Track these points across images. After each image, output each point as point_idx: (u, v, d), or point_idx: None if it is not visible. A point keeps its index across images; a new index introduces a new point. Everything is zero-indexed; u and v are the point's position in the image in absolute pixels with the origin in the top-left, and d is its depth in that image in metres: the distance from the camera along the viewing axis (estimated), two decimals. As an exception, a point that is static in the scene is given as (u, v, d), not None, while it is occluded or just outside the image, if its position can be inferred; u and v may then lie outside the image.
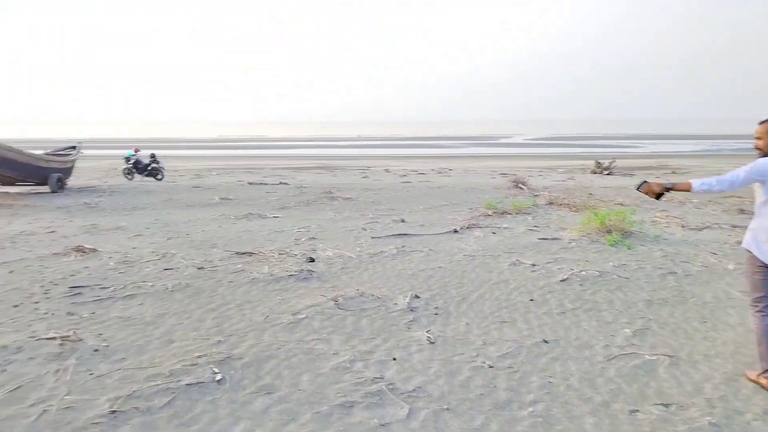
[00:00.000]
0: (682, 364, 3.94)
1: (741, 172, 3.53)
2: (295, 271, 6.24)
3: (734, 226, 8.91)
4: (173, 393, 3.44)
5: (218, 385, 3.57)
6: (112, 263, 6.70)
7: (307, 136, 77.31)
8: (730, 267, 6.45)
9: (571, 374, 3.79)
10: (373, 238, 8.42)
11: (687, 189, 3.56)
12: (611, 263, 6.66)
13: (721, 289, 5.70)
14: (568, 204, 11.38)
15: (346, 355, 4.07)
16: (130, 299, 5.34)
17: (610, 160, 21.10)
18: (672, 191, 3.70)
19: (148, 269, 6.45)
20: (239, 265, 6.64)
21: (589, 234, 8.09)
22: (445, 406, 3.34)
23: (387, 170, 22.90)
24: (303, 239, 8.30)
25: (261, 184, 16.78)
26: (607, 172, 19.89)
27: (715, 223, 9.25)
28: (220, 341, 4.30)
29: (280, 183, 16.97)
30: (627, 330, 4.58)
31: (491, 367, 3.89)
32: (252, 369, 3.82)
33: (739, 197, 12.46)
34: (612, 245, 7.52)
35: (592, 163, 21.82)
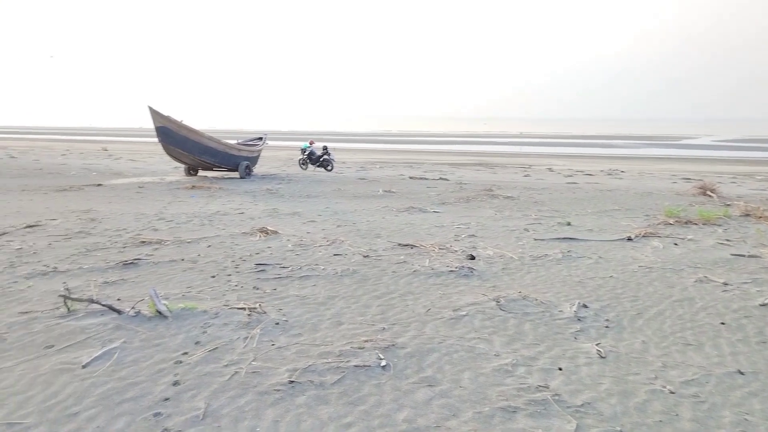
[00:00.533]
0: None
1: None
2: (456, 267, 6.26)
3: None
4: (343, 372, 3.66)
5: (383, 370, 3.72)
6: (290, 245, 7.35)
7: (466, 132, 77.07)
8: None
9: (775, 415, 3.26)
10: (535, 239, 8.12)
11: None
12: (830, 290, 5.60)
13: None
14: (770, 217, 9.83)
15: (508, 358, 3.98)
16: (305, 280, 5.80)
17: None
18: None
19: (320, 253, 6.95)
20: (401, 257, 6.85)
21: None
22: (618, 428, 3.09)
23: (550, 169, 21.90)
24: (463, 236, 8.30)
25: (421, 178, 17.14)
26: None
27: None
28: (384, 328, 4.48)
29: (440, 178, 17.16)
30: None
31: (672, 393, 3.51)
32: (414, 359, 3.92)
33: None
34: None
35: (802, 170, 18.56)
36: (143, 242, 7.36)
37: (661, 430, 3.09)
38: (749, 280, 5.99)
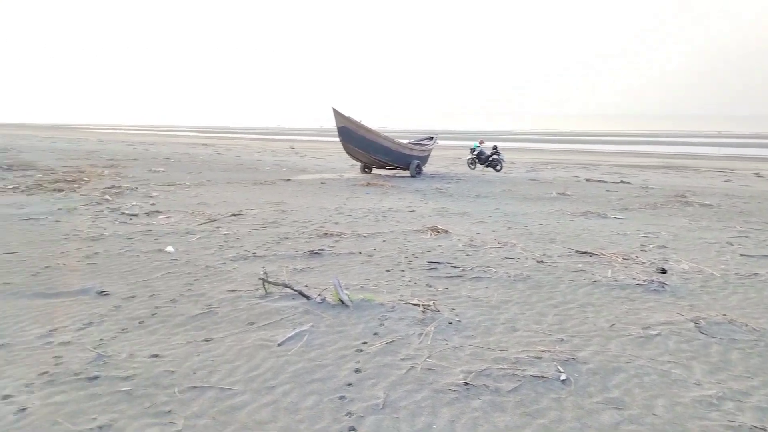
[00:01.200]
0: None
1: None
2: (644, 281, 5.70)
3: None
4: (519, 380, 3.54)
5: (563, 384, 3.52)
6: (460, 245, 7.36)
7: (648, 131, 69.96)
8: None
9: None
10: (742, 255, 7.04)
11: None
12: None
13: None
14: None
15: (711, 389, 3.49)
16: (477, 281, 5.75)
17: None
18: None
19: (491, 255, 6.84)
20: (579, 265, 6.43)
21: None
22: None
23: (758, 175, 18.91)
24: (651, 246, 7.52)
25: (599, 181, 15.98)
26: None
27: None
28: (562, 339, 4.24)
29: (621, 181, 15.83)
30: None
31: None
32: (598, 377, 3.63)
33: None
34: None
35: None
36: (326, 234, 7.95)
37: None
38: None
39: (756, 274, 6.09)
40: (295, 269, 6.10)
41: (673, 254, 7.04)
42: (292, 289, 5.01)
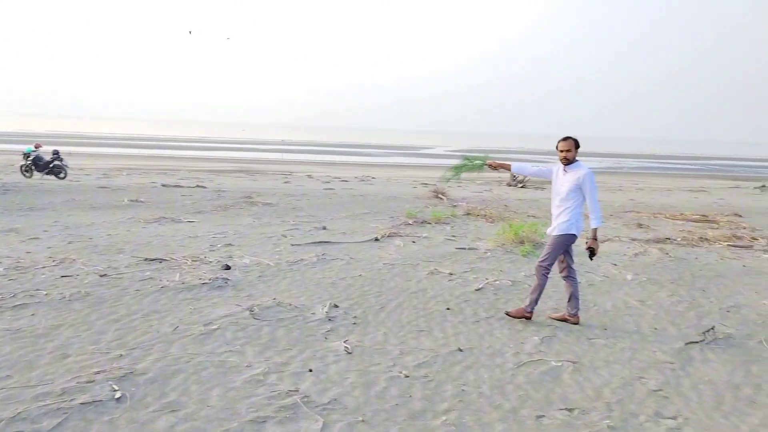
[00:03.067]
0: (584, 370, 4.15)
1: (596, 193, 4.90)
2: (209, 279, 5.99)
3: (633, 239, 9.59)
4: (65, 413, 3.16)
5: (117, 403, 3.32)
6: (0, 269, 6.10)
7: (227, 138, 75.04)
8: (629, 277, 6.92)
9: (483, 382, 3.88)
10: (293, 245, 8.27)
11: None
12: (523, 273, 6.95)
13: (620, 298, 6.09)
14: (484, 215, 11.79)
15: (260, 367, 3.94)
16: (20, 309, 4.87)
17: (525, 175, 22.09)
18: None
19: (44, 276, 5.93)
20: (147, 273, 6.27)
21: (503, 244, 8.40)
22: (360, 418, 3.31)
23: (310, 176, 22.68)
24: (219, 245, 7.99)
25: (176, 186, 16.05)
26: (521, 185, 20.83)
27: (616, 236, 9.91)
28: (121, 355, 4.02)
29: (197, 186, 16.32)
30: (536, 338, 4.77)
31: (407, 376, 3.90)
32: (156, 385, 3.59)
33: (638, 212, 13.47)
34: (524, 255, 7.85)
35: (507, 175, 22.76)
36: None
37: (397, 413, 3.40)
38: (468, 270, 7.05)
39: (301, 260, 7.23)
40: None
41: (238, 251, 7.67)
42: None
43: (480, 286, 6.24)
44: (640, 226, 11.33)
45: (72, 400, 3.29)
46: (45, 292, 5.33)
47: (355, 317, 5.12)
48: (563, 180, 4.98)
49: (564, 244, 5.01)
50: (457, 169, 5.92)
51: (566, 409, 3.53)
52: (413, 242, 8.76)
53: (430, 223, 10.52)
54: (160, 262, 6.75)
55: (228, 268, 6.59)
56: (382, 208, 12.97)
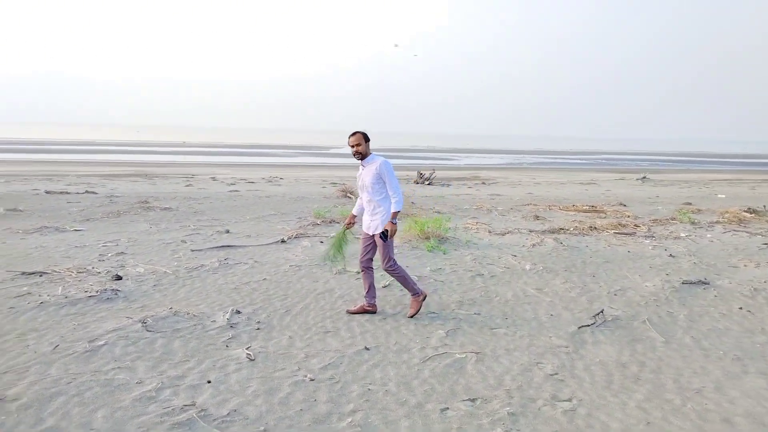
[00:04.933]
0: (486, 359, 4.27)
1: (394, 179, 4.99)
2: (97, 291, 5.52)
3: (531, 231, 10.10)
4: None
5: (-19, 437, 2.94)
6: None
7: (121, 140, 70.40)
8: (527, 267, 7.25)
9: (390, 379, 3.87)
10: (193, 251, 7.85)
11: (395, 213, 4.97)
12: (428, 268, 7.07)
13: (519, 287, 6.36)
14: (392, 212, 11.90)
15: (152, 383, 3.66)
16: None
17: (430, 171, 22.66)
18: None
19: None
20: (24, 288, 5.67)
21: (410, 240, 8.50)
22: (262, 428, 3.16)
23: (214, 178, 21.77)
24: (110, 255, 7.42)
25: (62, 193, 14.75)
26: (428, 183, 21.32)
27: (516, 228, 10.39)
28: (-11, 382, 3.57)
29: (87, 192, 15.11)
30: (441, 331, 4.84)
31: (312, 380, 3.80)
32: (32, 411, 3.23)
33: (535, 205, 14.23)
34: (430, 251, 7.99)
35: (414, 173, 23.23)
36: None
37: (301, 419, 3.30)
38: (375, 267, 7.05)
39: (202, 266, 6.88)
40: None
41: (131, 259, 7.15)
42: None
43: (387, 284, 6.26)
44: (537, 218, 11.96)
45: (-77, 438, 2.87)
46: None
47: (258, 322, 4.94)
48: (364, 174, 5.11)
49: (380, 233, 5.04)
50: (339, 251, 5.90)
51: (469, 399, 3.59)
52: (321, 242, 8.63)
53: (338, 223, 10.44)
54: (40, 276, 6.14)
55: (119, 278, 6.12)
56: (289, 209, 12.71)
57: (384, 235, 4.97)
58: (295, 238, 8.90)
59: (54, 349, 4.15)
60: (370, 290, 5.25)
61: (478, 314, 5.35)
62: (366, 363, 4.14)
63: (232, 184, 19.30)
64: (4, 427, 3.04)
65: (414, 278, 5.31)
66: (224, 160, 38.67)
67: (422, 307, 5.29)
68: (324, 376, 3.88)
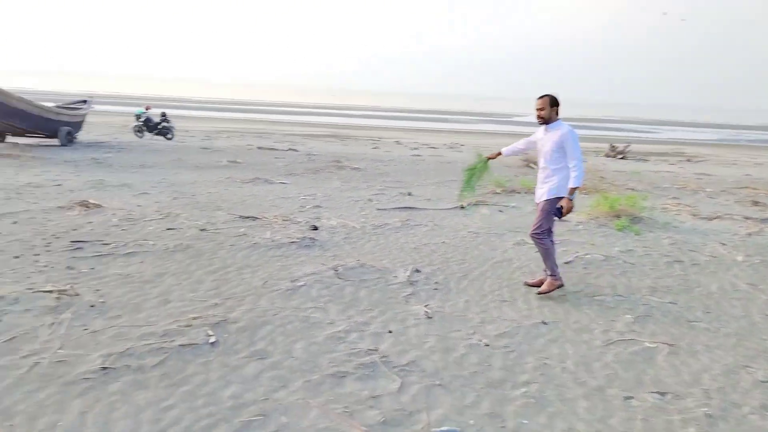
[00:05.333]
0: (681, 353, 3.87)
1: (578, 151, 4.61)
2: (298, 238, 6.20)
3: (747, 218, 8.73)
4: (166, 353, 3.43)
5: (211, 347, 3.56)
6: (115, 220, 6.69)
7: (319, 103, 76.68)
8: (739, 258, 6.33)
9: (568, 357, 3.74)
10: (378, 209, 8.35)
11: (573, 189, 4.62)
12: (617, 248, 6.57)
13: (727, 280, 5.59)
14: (578, 186, 11.20)
15: (341, 325, 4.04)
16: (131, 257, 5.33)
17: (624, 144, 20.74)
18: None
19: (151, 228, 6.43)
20: (242, 229, 6.60)
21: (597, 217, 7.97)
22: (438, 382, 3.31)
23: (398, 142, 22.68)
24: (308, 207, 8.25)
25: (270, 149, 16.68)
26: (621, 156, 19.58)
27: (727, 214, 9.07)
28: (216, 304, 4.28)
29: (290, 149, 16.87)
30: (628, 316, 4.51)
31: (487, 345, 3.84)
32: (246, 334, 3.80)
33: (754, 189, 12.22)
34: (620, 230, 7.40)
35: (606, 146, 21.47)
36: (-76, 220, 6.17)
37: (475, 380, 3.37)
38: (557, 242, 6.70)
39: (386, 224, 7.30)
40: None
41: (325, 213, 7.87)
42: None
43: (569, 260, 5.98)
44: (755, 203, 10.29)
45: (172, 341, 3.57)
46: (152, 242, 5.78)
47: (436, 283, 5.10)
48: (545, 140, 4.81)
49: (555, 208, 4.72)
50: (469, 184, 5.66)
51: (658, 392, 3.32)
52: (500, 211, 8.54)
53: (519, 193, 10.19)
54: (254, 220, 7.08)
55: (315, 228, 6.78)
56: (469, 175, 12.72)
57: (559, 212, 4.67)
58: (474, 205, 8.91)
59: (263, 284, 4.80)
60: (552, 259, 4.94)
61: (674, 303, 4.85)
62: (543, 337, 4.05)
63: (415, 148, 19.90)
64: (226, 344, 3.64)
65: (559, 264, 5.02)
66: (408, 125, 39.92)
67: (606, 296, 4.93)
68: (499, 343, 3.90)
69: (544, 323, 4.29)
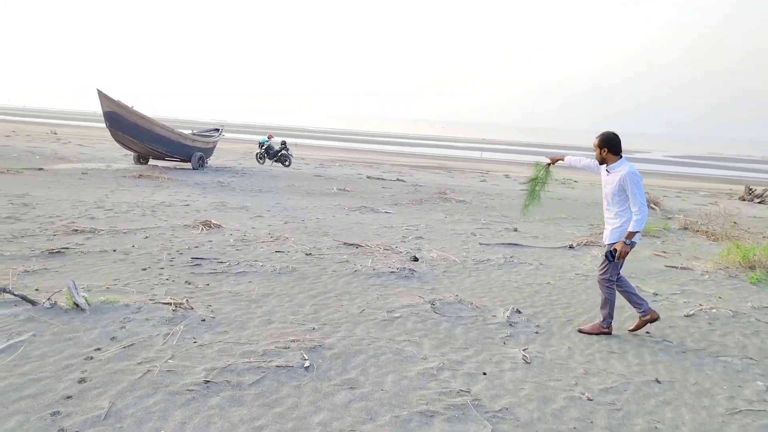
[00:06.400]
0: (828, 435, 3.31)
1: (640, 194, 4.36)
2: (397, 268, 6.23)
3: None
4: (263, 372, 3.56)
5: (306, 371, 3.64)
6: (231, 240, 7.17)
7: (429, 135, 77.58)
8: None
9: (684, 423, 3.34)
10: (481, 244, 8.18)
11: (632, 234, 4.40)
12: (750, 303, 5.84)
13: None
14: (706, 231, 10.22)
15: (434, 361, 3.96)
16: (241, 276, 5.66)
17: (764, 188, 18.65)
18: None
19: (262, 249, 6.80)
20: (345, 256, 6.77)
21: (727, 267, 7.18)
22: (532, 434, 3.11)
23: (507, 176, 22.26)
24: (410, 237, 8.29)
25: (379, 179, 17.11)
26: (759, 200, 17.61)
27: None
28: (314, 328, 4.39)
29: (397, 179, 17.18)
30: (759, 383, 3.96)
31: (590, 399, 3.56)
32: (340, 361, 3.85)
33: None
34: (754, 283, 6.60)
35: (741, 188, 19.45)
36: (75, 230, 7.04)
37: (574, 437, 3.12)
38: (678, 291, 6.18)
39: (488, 260, 7.12)
40: (27, 271, 5.26)
41: (427, 244, 7.86)
42: (11, 293, 4.29)
43: (691, 312, 5.42)
44: None
45: (270, 361, 3.70)
46: (261, 264, 6.11)
47: (537, 326, 4.85)
48: (606, 181, 4.63)
49: (609, 251, 4.58)
50: (533, 195, 5.38)
51: (796, 478, 2.85)
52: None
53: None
54: (357, 248, 7.24)
55: (416, 259, 6.78)
56: (581, 213, 12.12)
57: (612, 255, 4.48)
58: (585, 245, 8.44)
59: (360, 312, 4.86)
60: (609, 308, 4.75)
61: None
62: (655, 397, 3.67)
63: (524, 183, 19.37)
64: (320, 369, 3.70)
65: (645, 300, 4.73)
66: (518, 159, 39.07)
67: (733, 357, 4.39)
68: (604, 399, 3.59)
69: (658, 381, 3.89)
